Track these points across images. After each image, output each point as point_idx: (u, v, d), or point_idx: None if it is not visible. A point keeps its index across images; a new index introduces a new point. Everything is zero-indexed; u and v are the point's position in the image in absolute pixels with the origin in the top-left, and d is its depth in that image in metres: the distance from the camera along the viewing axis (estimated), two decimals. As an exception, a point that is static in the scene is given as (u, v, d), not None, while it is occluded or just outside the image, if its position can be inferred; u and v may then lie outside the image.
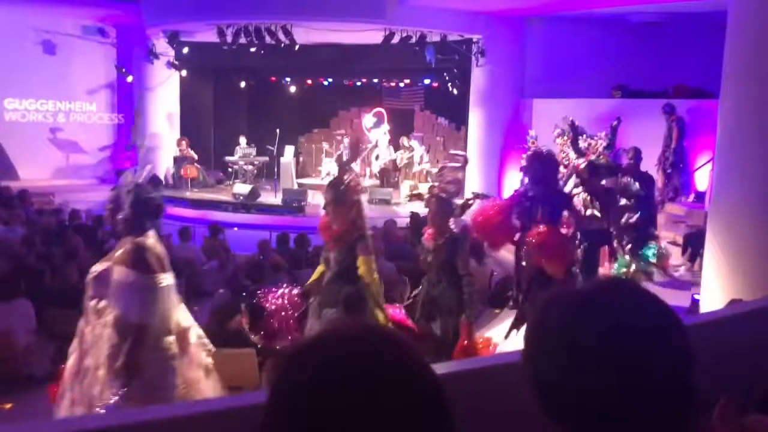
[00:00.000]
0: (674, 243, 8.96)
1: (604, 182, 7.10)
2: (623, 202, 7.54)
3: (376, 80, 16.50)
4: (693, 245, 8.02)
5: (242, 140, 15.06)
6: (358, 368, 0.77)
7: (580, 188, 6.86)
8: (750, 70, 5.09)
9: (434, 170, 13.73)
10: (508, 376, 1.19)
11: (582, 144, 10.79)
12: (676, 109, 11.10)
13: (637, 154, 8.36)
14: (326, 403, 0.74)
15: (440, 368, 1.55)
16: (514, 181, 12.66)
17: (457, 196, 5.17)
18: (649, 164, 9.74)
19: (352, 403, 0.74)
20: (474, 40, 12.68)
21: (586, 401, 0.89)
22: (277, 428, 0.78)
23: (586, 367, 0.89)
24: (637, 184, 7.66)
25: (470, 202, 5.39)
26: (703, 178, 10.79)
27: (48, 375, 4.84)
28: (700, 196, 10.67)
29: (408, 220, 9.63)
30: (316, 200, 13.32)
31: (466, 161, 6.73)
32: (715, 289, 5.36)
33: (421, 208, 7.28)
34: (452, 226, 4.78)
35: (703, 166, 10.89)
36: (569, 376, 0.90)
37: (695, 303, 6.22)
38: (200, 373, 3.51)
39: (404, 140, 14.54)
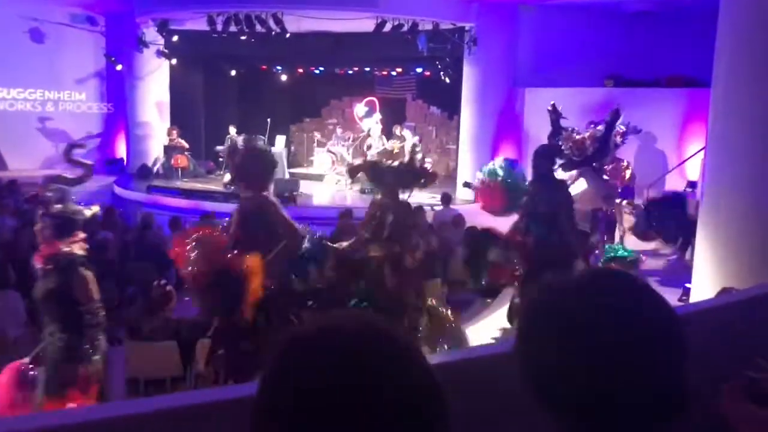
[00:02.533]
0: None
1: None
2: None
3: (368, 69, 16.41)
4: (684, 234, 8.04)
5: (232, 130, 14.97)
6: (357, 364, 0.76)
7: None
8: (741, 60, 5.08)
9: (428, 159, 13.80)
10: (501, 367, 1.17)
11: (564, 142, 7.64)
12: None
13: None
14: (325, 400, 0.74)
15: (434, 358, 1.53)
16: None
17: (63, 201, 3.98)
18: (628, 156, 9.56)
19: (351, 400, 0.73)
20: (466, 28, 12.62)
21: (578, 392, 0.88)
22: (273, 424, 0.77)
23: (578, 358, 0.88)
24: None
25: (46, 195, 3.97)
26: (695, 168, 10.82)
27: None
28: (692, 185, 10.71)
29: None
30: (308, 190, 13.31)
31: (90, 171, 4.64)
32: (707, 278, 5.37)
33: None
34: (64, 247, 3.75)
35: (695, 155, 10.92)
36: (561, 367, 0.89)
37: (686, 291, 6.25)
38: None
39: (397, 129, 14.49)
